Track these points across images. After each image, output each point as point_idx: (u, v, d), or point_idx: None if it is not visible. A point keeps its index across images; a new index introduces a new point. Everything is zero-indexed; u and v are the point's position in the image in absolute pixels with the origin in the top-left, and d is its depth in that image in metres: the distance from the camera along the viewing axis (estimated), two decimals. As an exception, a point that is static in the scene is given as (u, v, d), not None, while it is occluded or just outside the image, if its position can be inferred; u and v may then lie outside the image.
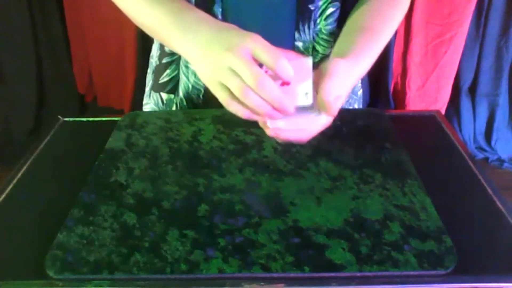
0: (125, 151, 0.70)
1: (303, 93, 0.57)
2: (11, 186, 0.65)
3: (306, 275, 0.49)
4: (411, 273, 0.49)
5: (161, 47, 0.86)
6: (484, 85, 2.07)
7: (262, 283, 0.49)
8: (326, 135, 0.72)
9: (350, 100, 0.89)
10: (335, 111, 0.58)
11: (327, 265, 0.50)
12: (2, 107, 2.13)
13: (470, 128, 2.16)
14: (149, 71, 0.90)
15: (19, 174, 0.68)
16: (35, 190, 0.65)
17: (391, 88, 2.04)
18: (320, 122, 0.60)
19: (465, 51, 1.95)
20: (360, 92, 0.92)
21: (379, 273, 0.49)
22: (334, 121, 0.75)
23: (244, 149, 0.69)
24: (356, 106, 0.90)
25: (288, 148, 0.69)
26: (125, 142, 0.72)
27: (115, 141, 0.72)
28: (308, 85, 0.57)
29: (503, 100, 2.10)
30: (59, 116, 0.82)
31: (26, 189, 0.65)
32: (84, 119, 0.83)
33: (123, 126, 0.76)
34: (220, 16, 0.75)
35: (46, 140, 0.76)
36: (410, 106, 1.99)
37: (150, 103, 0.89)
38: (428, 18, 1.87)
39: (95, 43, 2.00)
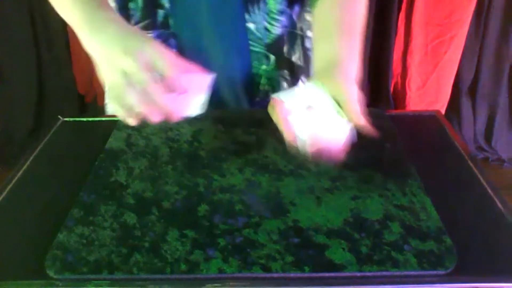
0: (125, 151, 0.70)
1: (197, 104, 0.61)
2: (11, 186, 0.65)
3: (306, 275, 0.49)
4: (411, 273, 0.49)
5: None
6: (484, 85, 2.07)
7: (262, 283, 0.49)
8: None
9: None
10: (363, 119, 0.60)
11: (327, 265, 0.50)
12: (2, 107, 2.13)
13: (470, 128, 2.16)
14: None
15: (19, 174, 0.68)
16: (35, 190, 0.65)
17: (391, 88, 2.04)
18: (343, 130, 0.59)
19: (465, 51, 1.95)
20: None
21: (379, 273, 0.49)
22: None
23: (244, 149, 0.69)
24: None
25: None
26: (125, 142, 0.72)
27: (115, 141, 0.72)
28: (201, 98, 0.60)
29: (503, 100, 2.10)
30: (59, 116, 0.82)
31: (26, 189, 0.65)
32: (84, 119, 0.83)
33: (123, 126, 0.76)
34: (167, 5, 0.74)
35: (46, 140, 0.76)
36: (410, 106, 1.99)
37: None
38: (428, 18, 1.87)
39: (95, 43, 2.00)
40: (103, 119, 0.82)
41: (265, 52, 0.80)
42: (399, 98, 2.05)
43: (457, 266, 0.50)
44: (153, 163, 0.67)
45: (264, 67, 0.81)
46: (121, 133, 0.74)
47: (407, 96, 2.01)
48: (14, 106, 2.14)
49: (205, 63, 0.63)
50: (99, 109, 2.09)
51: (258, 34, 0.78)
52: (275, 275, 0.49)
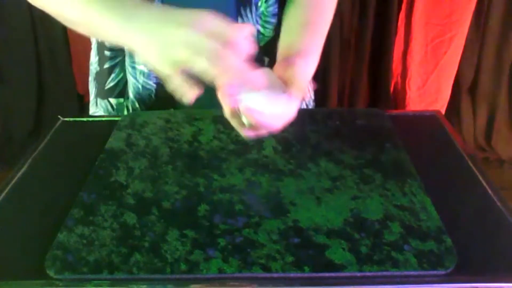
0: (125, 151, 0.70)
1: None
2: (11, 186, 0.65)
3: (306, 275, 0.49)
4: (411, 273, 0.49)
5: (100, 52, 0.84)
6: (484, 85, 2.07)
7: (262, 283, 0.49)
8: (326, 135, 0.72)
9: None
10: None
11: (327, 265, 0.50)
12: (2, 107, 2.13)
13: (470, 128, 2.16)
14: (90, 79, 0.87)
15: (19, 174, 0.68)
16: (35, 190, 0.65)
17: (391, 88, 2.04)
18: (292, 106, 0.62)
19: (465, 51, 1.95)
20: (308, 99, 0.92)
21: (379, 273, 0.49)
22: (334, 121, 0.75)
23: (244, 149, 0.69)
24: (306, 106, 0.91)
25: (288, 148, 0.69)
26: (125, 142, 0.72)
27: (115, 141, 0.72)
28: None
29: (503, 100, 2.10)
30: (59, 116, 0.82)
31: (26, 189, 0.65)
32: (84, 119, 0.83)
33: (123, 126, 0.76)
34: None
35: (46, 140, 0.76)
36: (410, 106, 1.99)
37: (99, 111, 0.86)
38: (428, 18, 1.87)
39: (95, 43, 2.00)
40: (103, 119, 0.82)
41: (258, 55, 0.80)
42: (399, 98, 2.05)
43: (457, 266, 0.50)
44: (153, 163, 0.67)
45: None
46: (121, 133, 0.74)
47: (407, 96, 2.01)
48: (14, 106, 2.14)
49: None
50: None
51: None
52: (275, 275, 0.49)
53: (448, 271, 0.50)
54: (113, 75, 0.83)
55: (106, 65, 0.83)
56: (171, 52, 0.53)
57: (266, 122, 0.61)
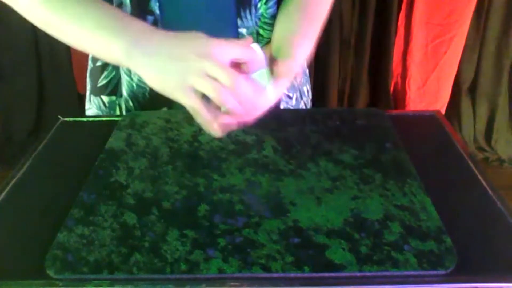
0: (125, 151, 0.70)
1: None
2: (11, 186, 0.65)
3: (306, 275, 0.49)
4: (411, 273, 0.49)
5: None
6: (484, 85, 2.07)
7: (262, 283, 0.49)
8: (326, 135, 0.72)
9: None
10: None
11: (327, 265, 0.50)
12: (2, 107, 2.13)
13: (470, 128, 2.16)
14: (87, 74, 0.88)
15: (19, 174, 0.68)
16: (35, 190, 0.65)
17: (391, 88, 2.04)
18: (269, 97, 0.62)
19: (465, 51, 1.95)
20: (306, 88, 0.92)
21: (379, 273, 0.49)
22: (334, 121, 0.75)
23: (244, 149, 0.69)
24: (304, 106, 0.92)
25: (288, 148, 0.69)
26: (125, 142, 0.72)
27: (115, 141, 0.72)
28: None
29: (503, 100, 2.10)
30: (59, 116, 0.82)
31: (26, 189, 0.65)
32: (84, 119, 0.83)
33: (123, 126, 0.76)
34: (158, 11, 0.73)
35: (46, 140, 0.76)
36: (410, 106, 1.99)
37: (92, 107, 0.87)
38: (428, 18, 1.87)
39: (95, 43, 2.00)
40: (103, 119, 0.82)
41: None
42: (399, 98, 2.05)
43: (457, 266, 0.50)
44: (153, 163, 0.67)
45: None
46: (121, 133, 0.74)
47: (407, 96, 2.01)
48: (14, 106, 2.14)
49: None
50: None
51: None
52: (275, 275, 0.49)
53: (448, 271, 0.50)
54: (105, 73, 0.83)
55: (99, 63, 0.83)
56: (185, 79, 0.55)
57: (248, 109, 0.59)
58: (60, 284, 0.50)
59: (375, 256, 0.51)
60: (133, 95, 0.82)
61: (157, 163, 0.67)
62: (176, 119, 0.77)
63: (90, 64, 0.86)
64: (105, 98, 0.85)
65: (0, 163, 1.99)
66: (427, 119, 0.82)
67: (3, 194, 0.64)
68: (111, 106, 0.85)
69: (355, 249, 0.52)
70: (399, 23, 1.91)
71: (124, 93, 0.82)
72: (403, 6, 1.89)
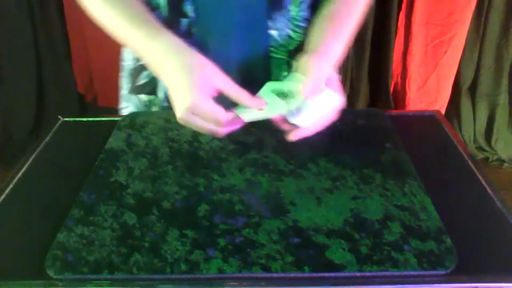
0: (125, 151, 0.70)
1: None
2: (11, 186, 0.65)
3: (306, 275, 0.49)
4: (411, 273, 0.49)
5: None
6: (484, 85, 2.07)
7: (262, 283, 0.49)
8: (326, 135, 0.72)
9: None
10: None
11: (327, 265, 0.50)
12: (2, 107, 2.13)
13: (470, 128, 2.16)
14: (123, 74, 0.89)
15: (19, 174, 0.68)
16: (35, 190, 0.65)
17: (391, 88, 2.04)
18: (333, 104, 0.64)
19: (465, 51, 1.94)
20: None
21: (379, 273, 0.49)
22: (334, 121, 0.75)
23: (244, 149, 0.69)
24: None
25: (289, 148, 0.69)
26: (125, 142, 0.72)
27: (115, 141, 0.72)
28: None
29: (503, 100, 2.10)
30: (59, 116, 0.82)
31: (26, 189, 0.65)
32: (84, 119, 0.83)
33: (123, 126, 0.76)
34: (192, 14, 0.75)
35: (46, 140, 0.76)
36: (410, 106, 1.99)
37: (130, 106, 0.88)
38: (428, 18, 1.87)
39: (95, 43, 2.00)
40: (103, 119, 0.82)
41: (288, 58, 0.80)
42: (399, 98, 2.05)
43: (457, 266, 0.50)
44: (153, 163, 0.67)
45: (285, 73, 0.82)
46: (121, 133, 0.74)
47: (407, 96, 2.01)
48: (14, 106, 2.14)
49: (226, 70, 0.66)
50: (99, 109, 2.10)
51: (281, 41, 0.78)
52: (275, 275, 0.49)
53: (448, 271, 0.50)
54: (146, 72, 0.84)
55: (141, 62, 0.84)
56: (185, 104, 0.60)
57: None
58: (60, 284, 0.50)
59: (375, 256, 0.51)
60: (168, 96, 0.83)
61: (157, 163, 0.67)
62: (176, 119, 0.77)
63: (130, 64, 0.87)
64: (144, 97, 0.86)
65: (0, 163, 1.99)
66: (427, 119, 0.82)
67: (3, 194, 0.64)
68: (148, 105, 0.86)
69: (355, 249, 0.52)
70: (399, 23, 1.91)
71: (162, 93, 0.83)
72: (403, 6, 1.88)
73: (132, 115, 0.79)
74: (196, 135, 0.73)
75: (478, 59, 2.02)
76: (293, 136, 0.62)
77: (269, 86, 0.65)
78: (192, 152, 0.69)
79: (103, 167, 0.66)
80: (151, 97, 0.85)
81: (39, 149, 0.74)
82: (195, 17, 0.75)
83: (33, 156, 0.72)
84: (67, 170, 0.69)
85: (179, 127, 0.75)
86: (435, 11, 1.85)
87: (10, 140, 2.16)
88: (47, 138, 0.77)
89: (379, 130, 0.74)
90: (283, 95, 0.63)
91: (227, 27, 0.75)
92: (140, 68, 0.85)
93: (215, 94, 0.61)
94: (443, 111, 1.97)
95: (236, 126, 0.62)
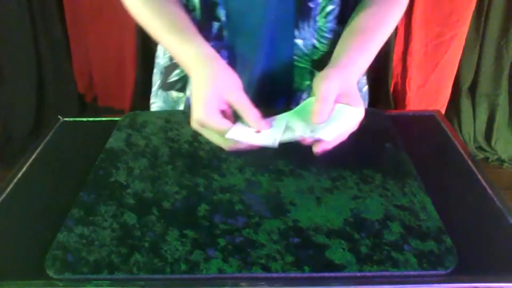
0: (125, 151, 0.70)
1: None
2: (11, 186, 0.65)
3: (306, 275, 0.49)
4: (411, 273, 0.49)
5: None
6: (484, 85, 2.07)
7: (262, 283, 0.49)
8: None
9: None
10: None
11: (327, 265, 0.50)
12: (2, 107, 2.13)
13: (470, 128, 2.16)
14: (156, 71, 0.91)
15: (19, 174, 0.68)
16: (35, 190, 0.65)
17: (391, 88, 2.04)
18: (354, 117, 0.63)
19: (465, 51, 1.94)
20: (365, 88, 0.93)
21: (379, 273, 0.49)
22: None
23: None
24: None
25: (289, 148, 0.69)
26: (125, 142, 0.72)
27: (115, 141, 0.72)
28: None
29: (503, 100, 2.10)
30: (59, 116, 0.82)
31: (26, 189, 0.65)
32: (84, 119, 0.83)
33: (123, 126, 0.76)
34: (223, 18, 0.76)
35: (46, 140, 0.76)
36: (410, 106, 1.99)
37: (158, 101, 0.90)
38: (428, 18, 1.87)
39: (95, 43, 2.00)
40: (103, 119, 0.82)
41: (311, 68, 0.81)
42: (399, 98, 2.05)
43: (457, 266, 0.50)
44: (153, 163, 0.67)
45: (307, 82, 0.82)
46: (121, 133, 0.74)
47: (407, 96, 2.01)
48: (14, 106, 2.14)
49: (251, 74, 0.66)
50: (99, 109, 2.10)
51: (305, 50, 0.79)
52: (275, 275, 0.49)
53: (448, 271, 0.50)
54: (177, 70, 0.86)
55: (174, 60, 0.85)
56: (195, 115, 0.62)
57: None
58: (60, 284, 0.50)
59: (375, 256, 0.51)
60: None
61: (157, 163, 0.67)
62: (176, 119, 0.77)
63: (164, 61, 0.88)
64: (174, 94, 0.88)
65: (0, 163, 1.99)
66: (427, 119, 0.82)
67: (3, 194, 0.64)
68: (177, 102, 0.88)
69: (355, 249, 0.52)
70: (399, 23, 1.91)
71: (189, 91, 0.85)
72: (403, 6, 1.88)
73: (132, 115, 0.79)
74: (196, 135, 0.73)
75: (478, 59, 2.02)
76: (317, 149, 0.62)
77: (288, 115, 0.65)
78: (192, 152, 0.69)
79: (103, 167, 0.66)
80: (180, 94, 0.87)
81: (39, 149, 0.74)
82: (226, 21, 0.77)
83: (33, 156, 0.72)
84: (67, 170, 0.69)
85: (179, 127, 0.75)
86: (435, 11, 1.85)
87: (10, 140, 2.16)
88: (47, 138, 0.77)
89: (379, 130, 0.74)
90: (291, 128, 0.62)
91: (255, 32, 0.77)
92: (173, 66, 0.86)
93: (225, 108, 0.62)
94: (443, 111, 1.97)
95: (241, 146, 0.62)
